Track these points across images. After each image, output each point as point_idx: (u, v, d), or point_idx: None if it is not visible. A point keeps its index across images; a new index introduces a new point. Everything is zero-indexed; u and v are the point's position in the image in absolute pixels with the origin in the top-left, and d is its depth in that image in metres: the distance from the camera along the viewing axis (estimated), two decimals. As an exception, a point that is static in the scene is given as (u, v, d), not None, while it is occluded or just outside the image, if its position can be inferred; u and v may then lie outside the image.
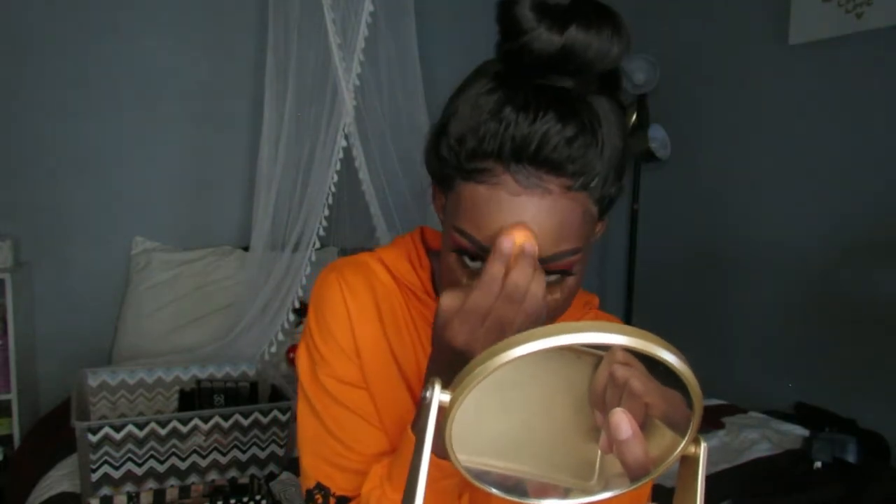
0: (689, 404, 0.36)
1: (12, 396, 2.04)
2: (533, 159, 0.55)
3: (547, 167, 0.55)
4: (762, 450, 1.83)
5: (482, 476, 0.40)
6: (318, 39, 2.08)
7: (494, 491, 0.41)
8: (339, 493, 0.71)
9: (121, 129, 2.36)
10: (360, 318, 0.73)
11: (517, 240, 0.55)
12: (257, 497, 1.37)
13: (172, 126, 2.43)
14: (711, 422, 2.02)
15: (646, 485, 0.73)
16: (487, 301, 0.54)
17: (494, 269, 0.54)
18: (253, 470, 1.50)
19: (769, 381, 2.52)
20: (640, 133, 2.82)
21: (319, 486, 0.71)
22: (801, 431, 1.96)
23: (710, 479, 1.67)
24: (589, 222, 0.59)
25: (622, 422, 0.39)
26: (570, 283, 0.61)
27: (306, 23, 2.12)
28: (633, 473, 0.40)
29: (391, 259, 0.76)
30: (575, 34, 0.54)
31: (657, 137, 2.77)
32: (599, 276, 3.24)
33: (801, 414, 2.28)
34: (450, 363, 0.57)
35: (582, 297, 0.79)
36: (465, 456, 0.40)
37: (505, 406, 0.39)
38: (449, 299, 0.56)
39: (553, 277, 0.59)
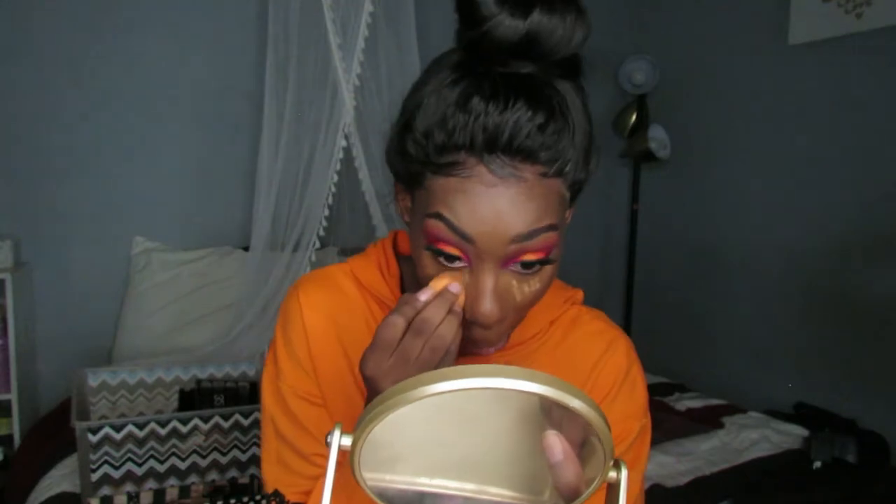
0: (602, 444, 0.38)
1: (12, 396, 2.04)
2: (506, 149, 0.54)
3: (521, 156, 0.55)
4: (762, 450, 1.83)
5: (421, 500, 0.41)
6: (318, 39, 2.08)
7: None
8: (292, 499, 0.72)
9: (121, 130, 2.36)
10: (318, 336, 0.73)
11: (436, 287, 0.57)
12: (257, 497, 1.36)
13: (172, 126, 2.43)
14: (711, 422, 2.02)
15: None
16: (394, 334, 0.55)
17: (405, 308, 0.56)
18: (253, 470, 1.50)
19: (769, 381, 2.52)
20: (640, 133, 2.82)
21: (276, 493, 0.72)
22: (801, 431, 1.96)
23: (710, 478, 1.67)
24: (562, 207, 0.59)
25: (555, 445, 0.39)
26: (547, 271, 0.60)
27: (306, 22, 2.12)
28: (565, 495, 0.41)
29: (361, 269, 0.75)
30: (539, 19, 0.53)
31: (657, 137, 2.77)
32: (600, 275, 3.23)
33: (801, 414, 2.28)
34: (370, 392, 0.59)
35: (563, 292, 0.76)
36: (404, 477, 0.40)
37: (453, 422, 0.39)
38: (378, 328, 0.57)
39: (534, 268, 0.59)
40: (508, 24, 0.53)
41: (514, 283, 0.59)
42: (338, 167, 2.03)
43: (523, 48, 0.54)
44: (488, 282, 0.57)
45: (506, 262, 0.58)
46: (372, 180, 2.11)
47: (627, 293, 3.08)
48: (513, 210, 0.55)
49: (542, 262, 0.58)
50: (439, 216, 0.57)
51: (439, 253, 0.58)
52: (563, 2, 0.54)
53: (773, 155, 2.56)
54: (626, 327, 3.06)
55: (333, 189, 2.04)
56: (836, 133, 2.34)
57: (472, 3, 0.54)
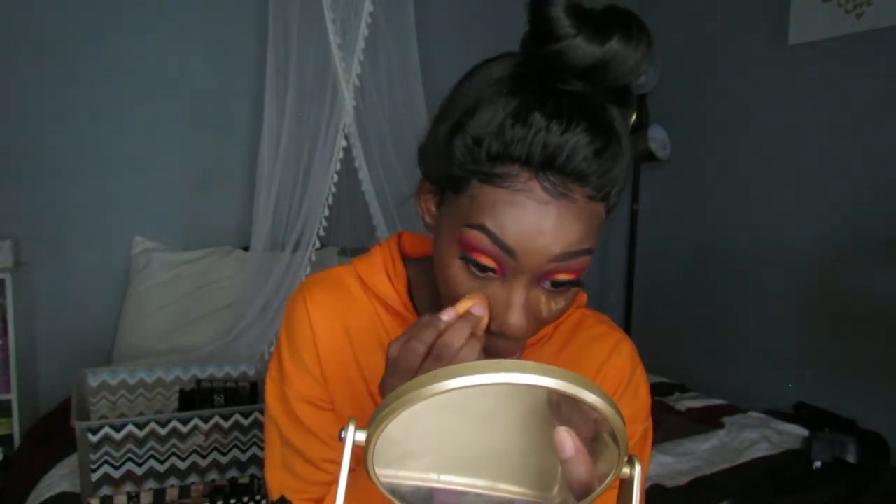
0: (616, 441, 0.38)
1: (12, 396, 2.04)
2: (562, 169, 0.54)
3: (574, 177, 0.55)
4: (762, 450, 1.83)
5: (433, 496, 0.41)
6: (318, 39, 2.08)
7: None
8: None
9: (121, 130, 2.36)
10: (327, 340, 0.72)
11: (460, 309, 0.56)
12: (257, 497, 1.37)
13: (172, 126, 2.43)
14: (711, 422, 2.02)
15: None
16: (414, 361, 0.54)
17: (426, 332, 0.54)
18: (253, 470, 1.50)
19: (769, 381, 2.52)
20: (640, 133, 2.82)
21: (282, 500, 0.71)
22: (801, 431, 1.96)
23: (709, 478, 1.67)
24: (600, 231, 0.60)
25: (566, 441, 0.39)
26: (573, 291, 0.61)
27: (306, 23, 2.12)
28: (576, 492, 0.40)
29: (367, 272, 0.74)
30: (616, 47, 0.53)
31: (657, 137, 2.77)
32: (600, 276, 3.23)
33: (801, 414, 2.28)
34: None
35: None
36: (416, 473, 0.40)
37: (465, 418, 0.39)
38: (394, 349, 0.56)
39: (563, 287, 0.59)
40: (584, 49, 0.52)
41: (543, 298, 0.59)
42: (338, 167, 2.03)
43: (592, 73, 0.54)
44: (520, 295, 0.57)
45: (540, 278, 0.58)
46: (372, 180, 2.11)
47: (627, 293, 3.08)
48: (558, 229, 0.55)
49: (572, 284, 0.59)
50: (483, 228, 0.56)
51: (473, 263, 0.57)
52: (639, 31, 0.54)
53: (773, 155, 2.56)
54: (626, 327, 3.06)
55: (333, 189, 2.04)
56: (836, 133, 2.34)
57: (548, 20, 0.52)
